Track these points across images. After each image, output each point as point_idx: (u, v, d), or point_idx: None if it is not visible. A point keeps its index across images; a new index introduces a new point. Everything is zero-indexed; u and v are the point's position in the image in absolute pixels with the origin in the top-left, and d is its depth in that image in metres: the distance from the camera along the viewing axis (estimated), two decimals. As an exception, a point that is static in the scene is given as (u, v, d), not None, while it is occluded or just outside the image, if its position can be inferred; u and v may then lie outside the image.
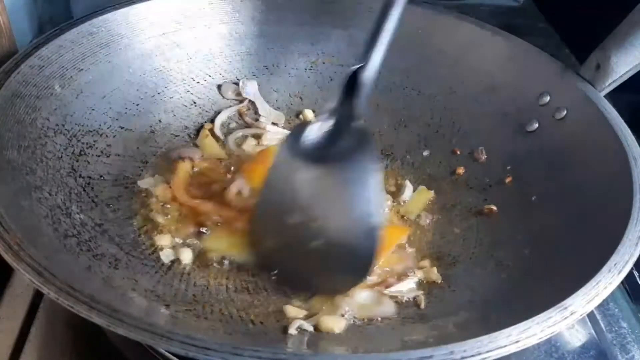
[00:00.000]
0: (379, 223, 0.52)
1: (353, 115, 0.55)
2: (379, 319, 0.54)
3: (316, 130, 0.56)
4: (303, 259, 0.54)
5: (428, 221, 0.66)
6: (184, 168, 0.67)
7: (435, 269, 0.60)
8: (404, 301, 0.57)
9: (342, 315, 0.53)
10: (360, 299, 0.55)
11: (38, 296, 0.59)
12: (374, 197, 0.52)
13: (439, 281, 0.59)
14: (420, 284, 0.59)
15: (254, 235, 0.58)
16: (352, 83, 0.56)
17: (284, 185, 0.55)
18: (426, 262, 0.61)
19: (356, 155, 0.53)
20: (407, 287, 0.57)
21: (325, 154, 0.55)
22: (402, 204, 0.68)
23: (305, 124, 0.59)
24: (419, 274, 0.59)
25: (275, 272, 0.56)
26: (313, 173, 0.54)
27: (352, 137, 0.54)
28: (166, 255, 0.58)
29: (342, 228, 0.53)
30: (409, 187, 0.69)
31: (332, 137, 0.56)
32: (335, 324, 0.52)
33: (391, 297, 0.56)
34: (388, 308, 0.55)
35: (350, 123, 0.55)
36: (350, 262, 0.53)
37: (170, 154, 0.68)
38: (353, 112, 0.55)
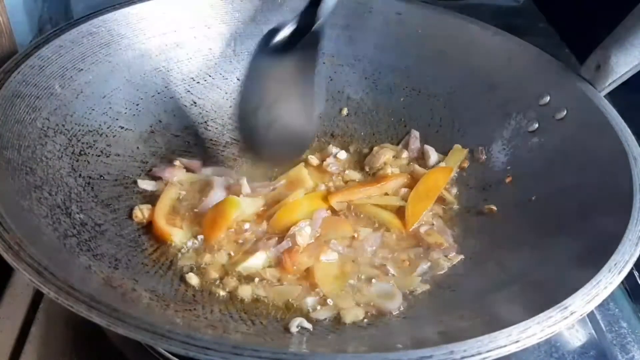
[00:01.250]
0: (313, 106, 0.66)
1: (314, 20, 0.62)
2: (389, 312, 0.55)
3: (282, 34, 0.64)
4: (269, 137, 0.66)
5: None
6: (168, 194, 0.65)
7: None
8: (415, 294, 0.58)
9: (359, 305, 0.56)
10: (377, 291, 0.58)
11: (38, 296, 0.59)
12: (309, 85, 0.65)
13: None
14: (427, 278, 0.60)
15: (240, 122, 0.67)
16: None
17: (254, 79, 0.65)
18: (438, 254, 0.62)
19: (301, 50, 0.62)
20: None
21: (285, 51, 0.64)
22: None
23: (274, 29, 0.65)
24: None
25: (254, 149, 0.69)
26: (271, 65, 0.64)
27: (307, 38, 0.63)
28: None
29: (288, 109, 0.65)
30: (433, 153, 0.73)
31: (292, 38, 0.64)
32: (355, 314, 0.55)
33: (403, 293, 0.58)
34: (397, 303, 0.56)
35: (310, 25, 0.62)
36: (296, 138, 0.67)
37: (156, 172, 0.67)
38: (315, 17, 0.62)
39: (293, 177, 0.69)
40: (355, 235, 0.63)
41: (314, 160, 0.73)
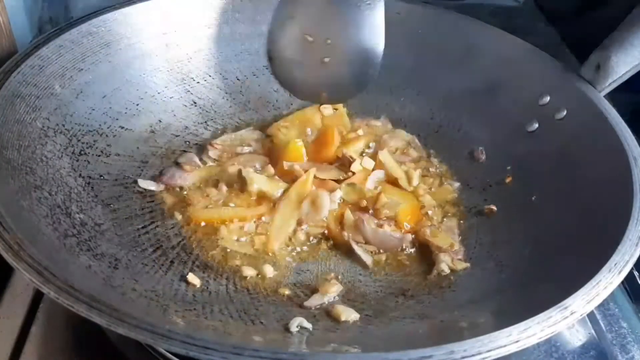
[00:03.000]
0: (378, 45, 0.65)
1: None
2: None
3: None
4: (317, 73, 0.65)
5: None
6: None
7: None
8: (415, 294, 0.58)
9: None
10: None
11: (38, 296, 0.59)
12: (376, 24, 0.64)
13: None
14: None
15: (277, 60, 0.68)
16: None
17: (298, 9, 0.64)
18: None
19: None
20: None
21: None
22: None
23: None
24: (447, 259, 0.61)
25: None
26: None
27: None
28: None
29: (347, 47, 0.64)
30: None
31: None
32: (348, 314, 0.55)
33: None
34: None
35: None
36: (354, 75, 0.67)
37: (163, 178, 0.67)
38: None
39: (302, 117, 0.74)
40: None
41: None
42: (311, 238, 0.63)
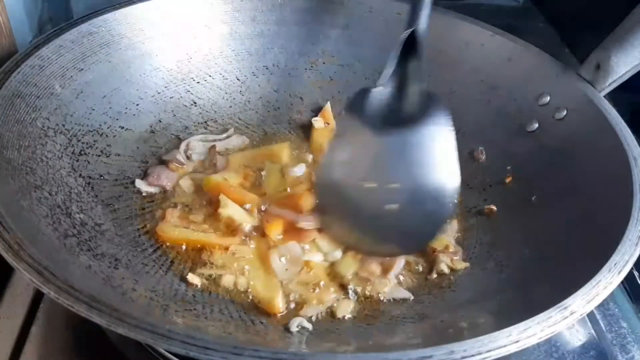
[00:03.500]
0: (454, 186, 0.53)
1: (415, 77, 0.57)
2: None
3: (378, 96, 0.57)
4: (376, 223, 0.54)
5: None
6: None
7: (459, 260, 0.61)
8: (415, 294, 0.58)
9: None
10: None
11: (38, 296, 0.59)
12: (447, 158, 0.53)
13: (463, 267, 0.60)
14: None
15: (323, 206, 0.58)
16: (406, 47, 0.58)
17: (352, 152, 0.55)
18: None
19: (428, 118, 0.54)
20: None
21: (393, 118, 0.56)
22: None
23: (365, 90, 0.58)
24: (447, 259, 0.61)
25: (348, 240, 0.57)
26: (386, 138, 0.55)
27: (418, 100, 0.56)
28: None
29: (417, 191, 0.53)
30: None
31: (396, 101, 0.57)
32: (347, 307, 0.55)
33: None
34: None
35: (412, 85, 0.57)
36: (422, 224, 0.54)
37: (149, 179, 0.66)
38: (414, 74, 0.57)
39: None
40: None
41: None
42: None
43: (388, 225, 0.54)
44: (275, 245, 0.60)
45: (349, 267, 0.59)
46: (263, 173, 0.69)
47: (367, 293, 0.58)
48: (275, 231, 0.61)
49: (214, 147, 0.71)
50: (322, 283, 0.58)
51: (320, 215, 0.60)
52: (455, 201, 0.54)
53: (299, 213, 0.62)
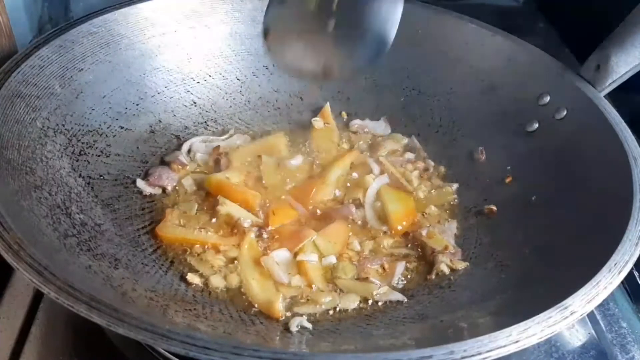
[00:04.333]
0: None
1: None
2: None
3: None
4: (322, 40, 0.56)
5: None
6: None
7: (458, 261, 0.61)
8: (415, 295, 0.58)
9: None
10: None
11: (38, 296, 0.59)
12: None
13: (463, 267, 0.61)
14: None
15: (275, 29, 0.58)
16: None
17: None
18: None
19: None
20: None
21: None
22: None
23: None
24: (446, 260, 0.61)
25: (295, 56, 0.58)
26: None
27: None
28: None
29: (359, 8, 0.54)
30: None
31: None
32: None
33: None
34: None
35: None
36: (365, 42, 0.56)
37: (150, 179, 0.66)
38: None
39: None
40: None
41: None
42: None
43: (333, 45, 0.56)
44: (267, 253, 0.60)
45: (347, 271, 0.60)
46: (261, 168, 0.69)
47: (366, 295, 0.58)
48: (277, 223, 0.63)
49: (217, 147, 0.71)
50: (318, 285, 0.58)
51: (271, 43, 0.60)
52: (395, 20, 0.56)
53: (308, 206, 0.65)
